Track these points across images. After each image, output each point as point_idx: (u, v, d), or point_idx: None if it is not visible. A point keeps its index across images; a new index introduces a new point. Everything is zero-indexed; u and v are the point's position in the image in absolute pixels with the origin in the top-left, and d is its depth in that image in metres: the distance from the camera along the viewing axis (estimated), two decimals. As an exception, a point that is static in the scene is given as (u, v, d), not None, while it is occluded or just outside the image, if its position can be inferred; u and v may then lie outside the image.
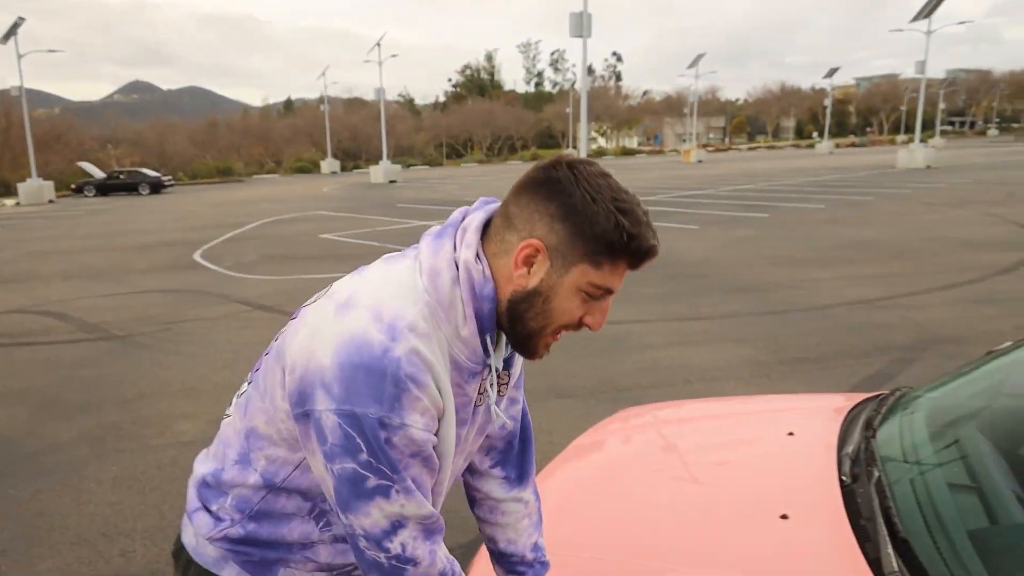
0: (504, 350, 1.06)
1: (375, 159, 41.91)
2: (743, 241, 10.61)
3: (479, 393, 1.04)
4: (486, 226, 0.98)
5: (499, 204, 0.99)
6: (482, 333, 0.95)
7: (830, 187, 20.12)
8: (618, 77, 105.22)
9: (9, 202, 29.00)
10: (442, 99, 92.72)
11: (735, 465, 1.76)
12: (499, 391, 1.09)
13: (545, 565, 1.24)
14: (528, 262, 0.93)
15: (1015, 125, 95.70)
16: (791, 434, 1.83)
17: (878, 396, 2.02)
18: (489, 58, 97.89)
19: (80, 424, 4.30)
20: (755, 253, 9.49)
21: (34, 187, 28.49)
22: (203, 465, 1.12)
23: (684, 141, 66.74)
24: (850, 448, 1.65)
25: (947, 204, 14.68)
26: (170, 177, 35.65)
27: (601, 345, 5.43)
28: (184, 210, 21.19)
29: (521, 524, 1.23)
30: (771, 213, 14.11)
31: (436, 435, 0.96)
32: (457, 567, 1.02)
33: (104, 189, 32.13)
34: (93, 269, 10.30)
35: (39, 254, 12.19)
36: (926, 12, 28.17)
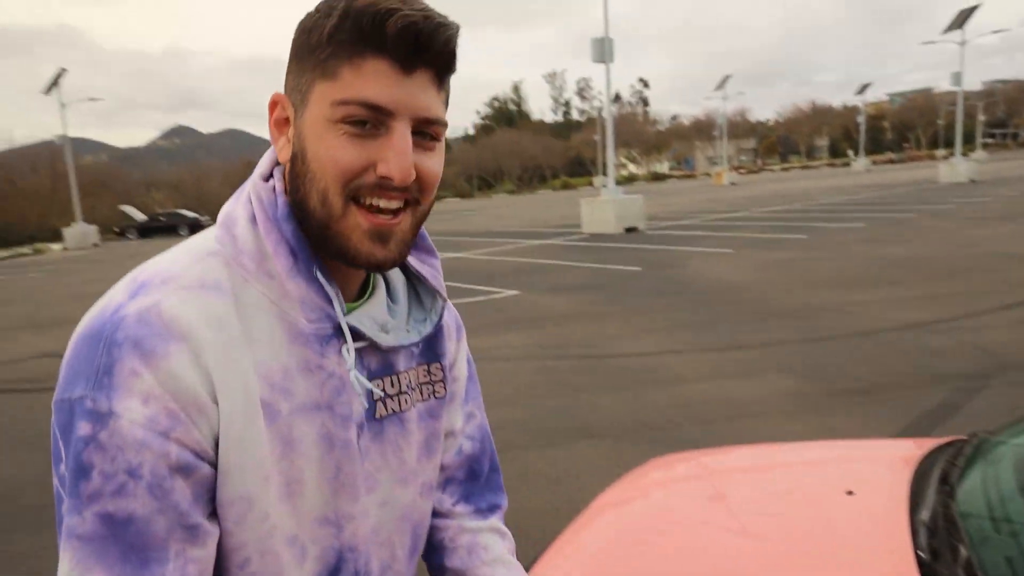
0: (390, 310, 0.76)
1: (406, 193, 42.42)
2: (780, 264, 10.23)
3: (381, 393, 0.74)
4: None
5: None
6: (306, 268, 0.68)
7: (869, 205, 19.57)
8: (645, 103, 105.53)
9: (56, 247, 29.96)
10: (471, 132, 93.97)
11: (784, 541, 1.49)
12: (420, 390, 0.79)
13: None
14: (280, 126, 0.70)
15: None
16: (851, 493, 1.57)
17: (952, 443, 1.74)
18: (516, 89, 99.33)
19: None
20: (794, 276, 9.12)
21: (79, 232, 29.61)
22: None
23: (715, 164, 66.19)
24: (925, 513, 1.38)
25: (996, 218, 14.08)
26: (208, 218, 36.62)
27: (630, 378, 5.14)
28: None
29: (512, 564, 0.89)
30: (809, 234, 13.67)
31: (213, 453, 0.63)
32: None
33: (145, 232, 33.20)
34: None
35: (78, 297, 12.36)
36: (959, 23, 27.65)
